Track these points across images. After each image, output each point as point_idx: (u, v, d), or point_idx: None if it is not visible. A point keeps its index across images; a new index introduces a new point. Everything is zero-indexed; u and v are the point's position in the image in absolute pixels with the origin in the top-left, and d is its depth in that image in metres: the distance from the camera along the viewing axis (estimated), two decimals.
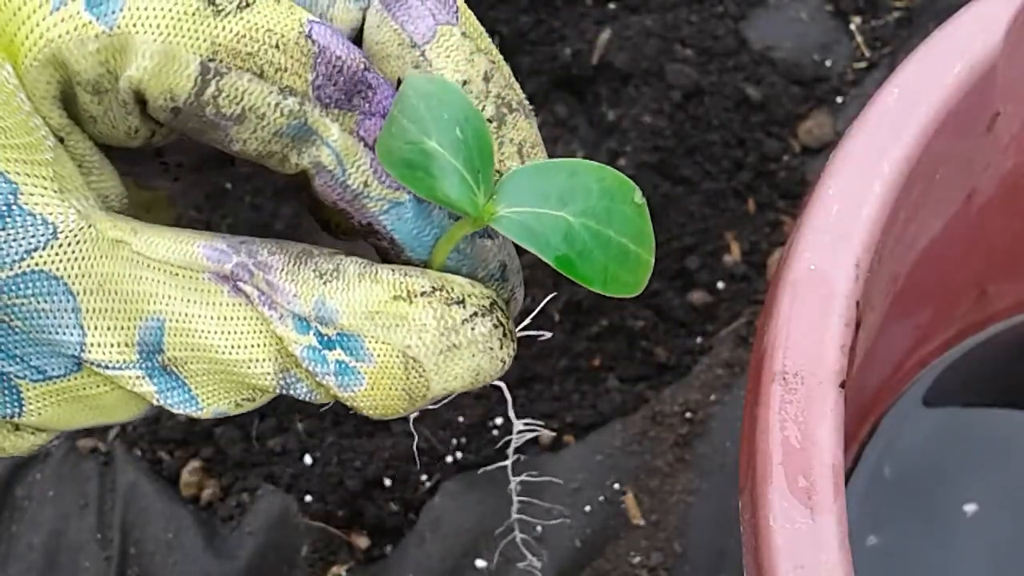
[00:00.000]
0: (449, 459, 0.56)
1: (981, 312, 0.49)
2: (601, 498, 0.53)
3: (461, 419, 0.57)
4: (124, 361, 0.24)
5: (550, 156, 0.27)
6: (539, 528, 0.53)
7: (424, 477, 0.56)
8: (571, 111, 0.68)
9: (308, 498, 0.55)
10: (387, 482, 0.55)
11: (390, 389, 0.24)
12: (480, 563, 0.52)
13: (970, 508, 0.46)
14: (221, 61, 0.22)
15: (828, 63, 0.69)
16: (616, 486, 0.54)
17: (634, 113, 0.64)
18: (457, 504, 0.54)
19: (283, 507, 0.54)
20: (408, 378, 0.24)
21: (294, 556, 0.53)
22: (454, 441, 0.57)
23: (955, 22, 0.34)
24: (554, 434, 0.57)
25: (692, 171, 0.63)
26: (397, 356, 0.23)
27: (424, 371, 0.24)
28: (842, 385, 0.28)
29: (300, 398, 0.25)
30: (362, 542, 0.55)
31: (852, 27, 0.71)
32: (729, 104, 0.66)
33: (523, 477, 0.55)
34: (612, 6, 0.72)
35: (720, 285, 0.61)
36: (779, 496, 0.26)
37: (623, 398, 0.57)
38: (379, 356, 0.24)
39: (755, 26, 0.71)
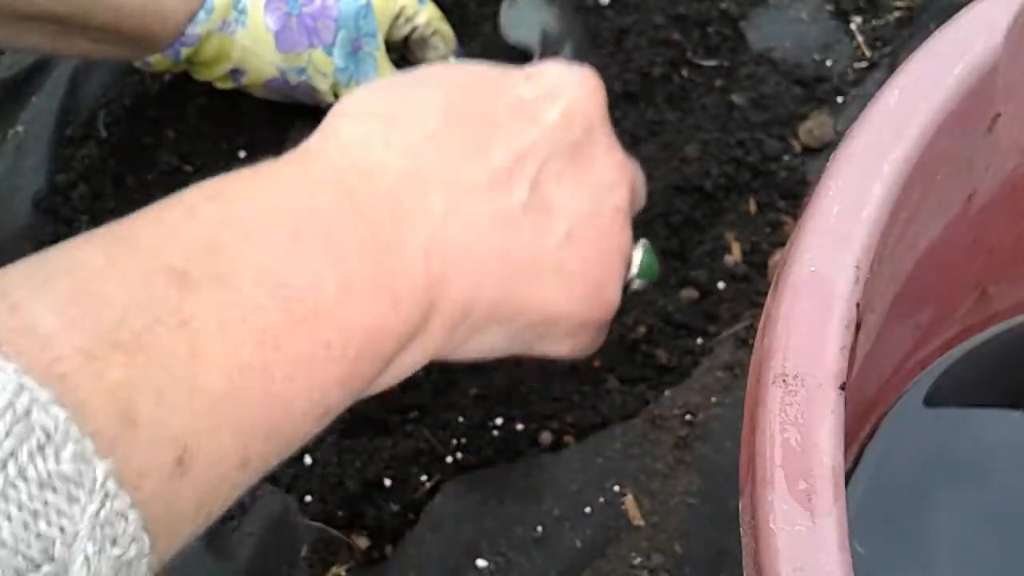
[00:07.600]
0: (449, 459, 0.56)
1: (982, 313, 0.49)
2: (601, 499, 0.53)
3: (461, 419, 0.57)
4: None
5: None
6: (539, 528, 0.53)
7: (424, 477, 0.56)
8: None
9: (308, 498, 0.55)
10: (387, 482, 0.55)
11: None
12: (480, 563, 0.52)
13: (970, 508, 0.46)
14: None
15: (828, 63, 0.69)
16: (616, 488, 0.53)
17: None
18: (457, 504, 0.54)
19: (283, 507, 0.54)
20: None
21: (294, 556, 0.53)
22: (454, 441, 0.57)
23: (956, 22, 0.34)
24: (554, 435, 0.57)
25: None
26: None
27: None
28: (842, 387, 0.28)
29: None
30: (362, 542, 0.55)
31: (852, 27, 0.70)
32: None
33: (523, 477, 0.55)
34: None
35: (721, 285, 0.61)
36: (779, 498, 0.26)
37: (623, 399, 0.57)
38: None
39: (755, 26, 0.71)
